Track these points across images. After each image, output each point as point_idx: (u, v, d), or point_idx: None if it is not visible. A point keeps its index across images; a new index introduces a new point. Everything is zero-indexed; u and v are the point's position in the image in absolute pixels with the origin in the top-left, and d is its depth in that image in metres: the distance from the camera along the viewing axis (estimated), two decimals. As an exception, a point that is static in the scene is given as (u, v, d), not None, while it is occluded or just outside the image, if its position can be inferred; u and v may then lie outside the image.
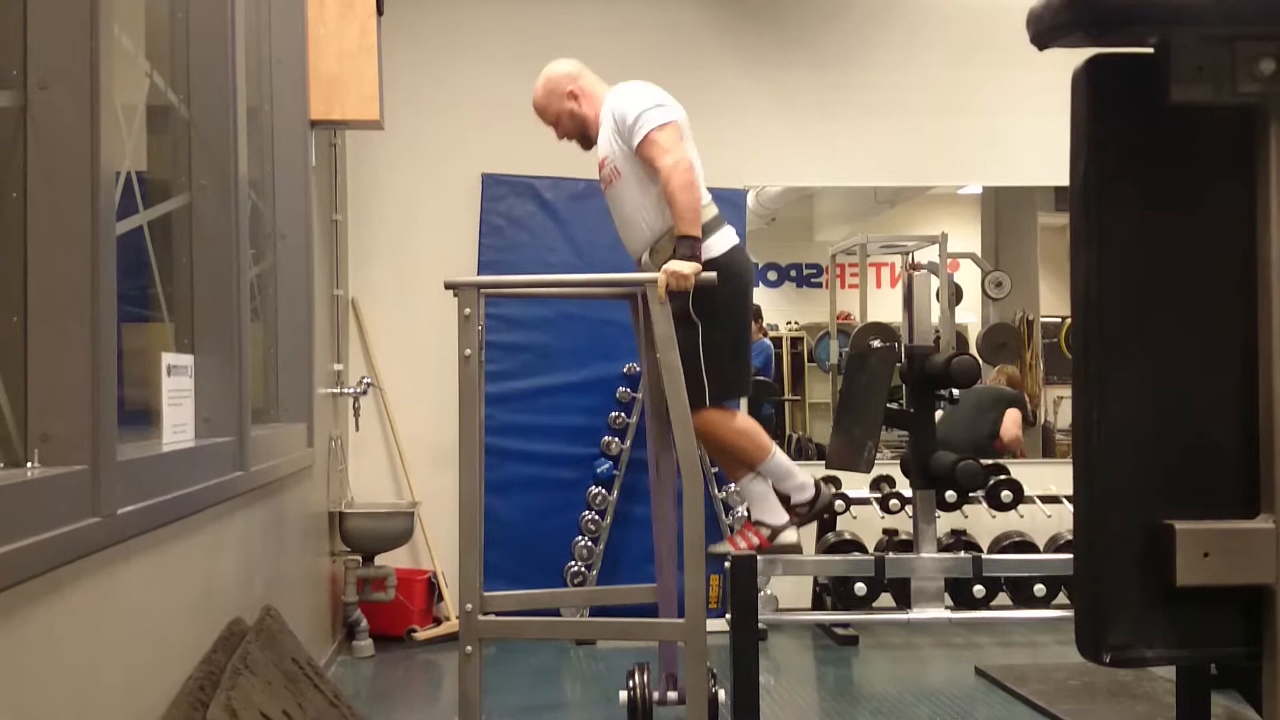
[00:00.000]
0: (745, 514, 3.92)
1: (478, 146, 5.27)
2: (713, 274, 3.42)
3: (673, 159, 3.49)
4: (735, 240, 3.72)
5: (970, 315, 6.40)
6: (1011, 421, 5.94)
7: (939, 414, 4.74)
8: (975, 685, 4.16)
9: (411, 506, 4.86)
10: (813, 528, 5.14)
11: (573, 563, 4.98)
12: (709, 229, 3.62)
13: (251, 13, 3.54)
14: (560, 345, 5.14)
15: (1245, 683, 1.50)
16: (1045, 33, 1.22)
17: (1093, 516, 1.24)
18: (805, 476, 3.83)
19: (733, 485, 4.05)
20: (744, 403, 5.31)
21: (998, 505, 4.76)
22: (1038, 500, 5.03)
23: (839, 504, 5.08)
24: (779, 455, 3.77)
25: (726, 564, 3.38)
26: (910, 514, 4.67)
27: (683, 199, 3.47)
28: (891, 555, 4.52)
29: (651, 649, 3.84)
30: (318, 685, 2.84)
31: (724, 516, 4.95)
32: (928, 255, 6.21)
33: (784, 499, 3.80)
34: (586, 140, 3.84)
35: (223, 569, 2.77)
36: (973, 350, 6.01)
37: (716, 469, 4.79)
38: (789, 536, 3.78)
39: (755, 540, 3.73)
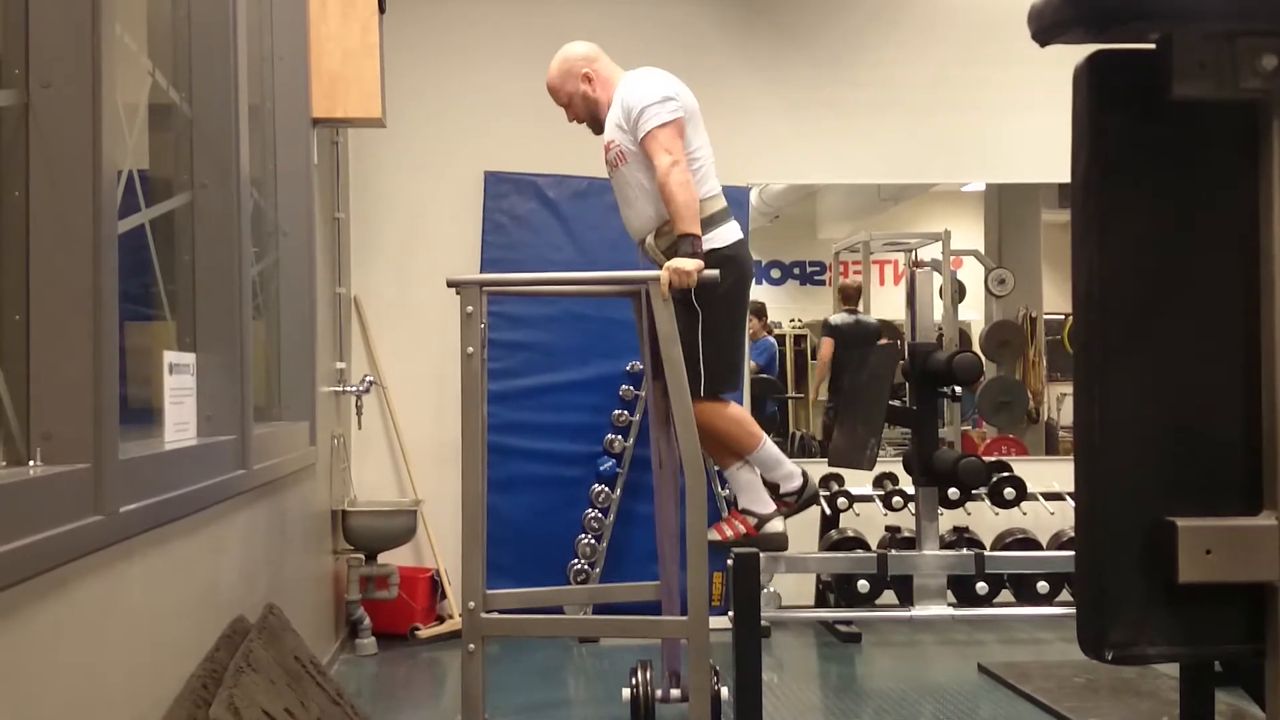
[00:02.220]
0: (733, 502, 3.93)
1: (480, 144, 5.27)
2: (715, 271, 3.42)
3: (669, 160, 3.50)
4: (740, 234, 3.75)
5: (973, 313, 6.39)
6: None
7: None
8: (978, 683, 4.16)
9: (414, 504, 4.87)
10: (815, 526, 5.14)
11: (576, 560, 4.98)
12: (716, 219, 3.64)
13: (253, 11, 3.54)
14: (563, 343, 5.14)
15: (1249, 679, 1.50)
16: (1046, 29, 1.22)
17: (1094, 514, 1.24)
18: (793, 467, 3.85)
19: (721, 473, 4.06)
20: (746, 398, 5.32)
21: (1000, 502, 4.76)
22: (1040, 498, 5.03)
23: (842, 501, 5.09)
24: (769, 445, 3.79)
25: (729, 561, 3.38)
26: (913, 511, 4.67)
27: (680, 198, 3.48)
28: (894, 552, 4.52)
29: (655, 646, 3.84)
30: (320, 683, 2.84)
31: (726, 514, 4.95)
32: (931, 253, 6.21)
33: (772, 488, 3.81)
34: (597, 124, 3.85)
35: (225, 567, 2.77)
36: (975, 348, 6.00)
37: (720, 468, 4.80)
38: (776, 526, 3.79)
39: (742, 528, 3.74)
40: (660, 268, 3.36)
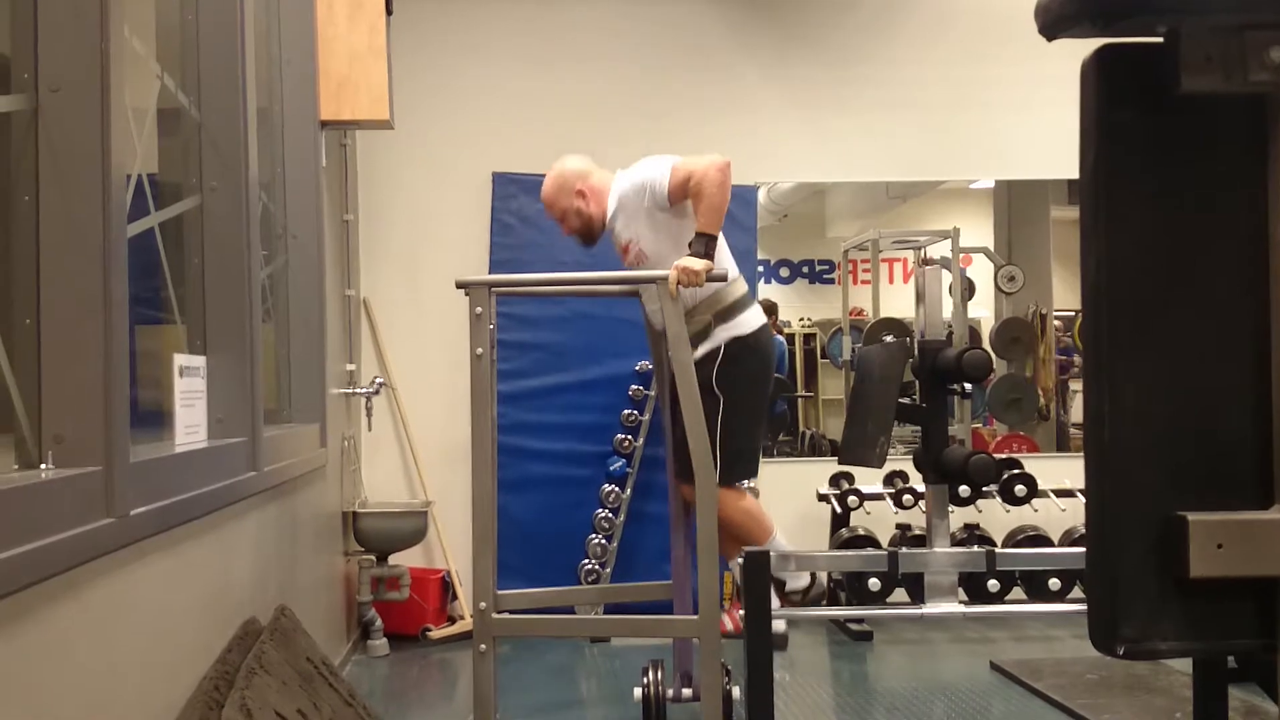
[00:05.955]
0: (736, 593, 3.91)
1: (488, 145, 5.27)
2: (724, 271, 3.42)
3: (704, 163, 3.49)
4: (762, 320, 3.74)
5: (983, 310, 6.38)
6: None
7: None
8: (990, 680, 4.15)
9: (425, 506, 4.87)
10: (826, 525, 5.14)
11: (587, 560, 4.99)
12: (740, 305, 3.65)
13: (260, 14, 3.55)
14: (572, 343, 5.14)
15: (1263, 674, 1.50)
16: (1053, 23, 1.22)
17: (1104, 509, 1.24)
18: None
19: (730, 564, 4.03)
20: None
21: (1011, 500, 4.75)
22: (1052, 494, 5.01)
23: (852, 499, 5.08)
24: (779, 540, 3.78)
25: (739, 561, 3.38)
26: (923, 509, 4.66)
27: (714, 196, 3.45)
28: (905, 550, 4.50)
29: (666, 646, 3.84)
30: (333, 684, 2.84)
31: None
32: (940, 250, 6.20)
33: (778, 585, 3.81)
34: (589, 237, 3.88)
35: (237, 569, 2.77)
36: (986, 345, 5.99)
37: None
38: (777, 626, 3.78)
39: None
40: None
